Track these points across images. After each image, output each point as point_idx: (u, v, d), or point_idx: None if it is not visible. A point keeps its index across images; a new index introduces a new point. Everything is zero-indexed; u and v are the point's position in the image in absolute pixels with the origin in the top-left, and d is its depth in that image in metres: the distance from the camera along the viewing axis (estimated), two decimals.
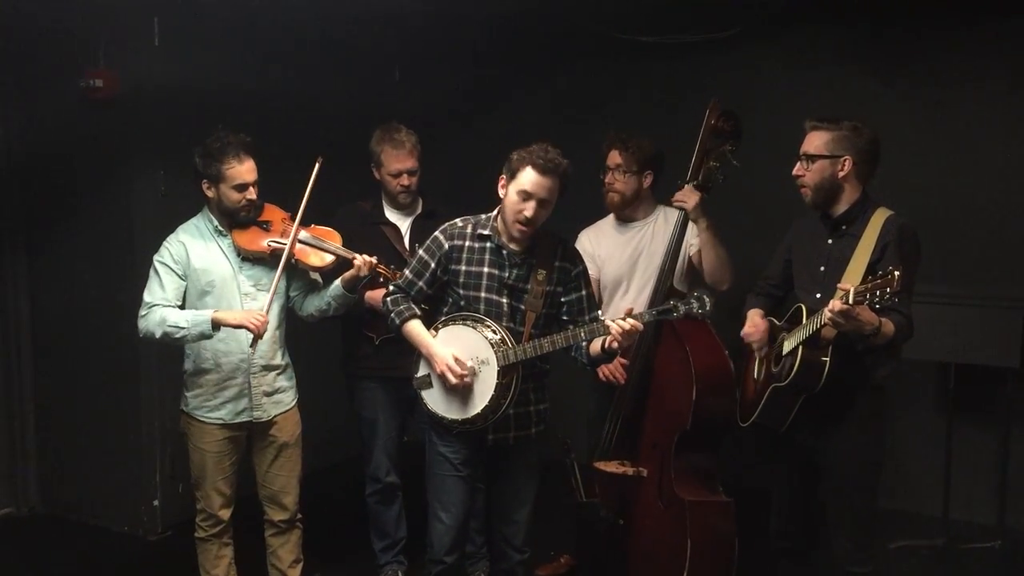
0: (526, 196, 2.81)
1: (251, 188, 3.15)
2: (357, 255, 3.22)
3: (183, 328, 3.07)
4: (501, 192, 2.91)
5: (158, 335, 3.10)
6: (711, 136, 3.39)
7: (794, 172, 2.95)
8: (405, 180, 3.58)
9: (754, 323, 3.11)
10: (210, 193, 3.17)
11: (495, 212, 2.97)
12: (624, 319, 2.74)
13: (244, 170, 3.12)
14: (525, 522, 3.10)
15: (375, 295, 3.42)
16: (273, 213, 3.27)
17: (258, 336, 3.08)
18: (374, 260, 3.22)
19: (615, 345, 2.78)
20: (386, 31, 4.80)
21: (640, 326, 2.75)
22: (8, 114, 4.33)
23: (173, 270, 3.15)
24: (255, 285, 3.23)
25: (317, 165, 3.21)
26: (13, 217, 4.43)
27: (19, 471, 4.53)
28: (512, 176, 2.85)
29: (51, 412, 4.51)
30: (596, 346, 2.88)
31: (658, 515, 3.34)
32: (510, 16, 4.66)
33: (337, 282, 3.27)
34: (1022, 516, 4.26)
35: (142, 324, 3.14)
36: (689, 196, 3.36)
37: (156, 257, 3.17)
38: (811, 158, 2.90)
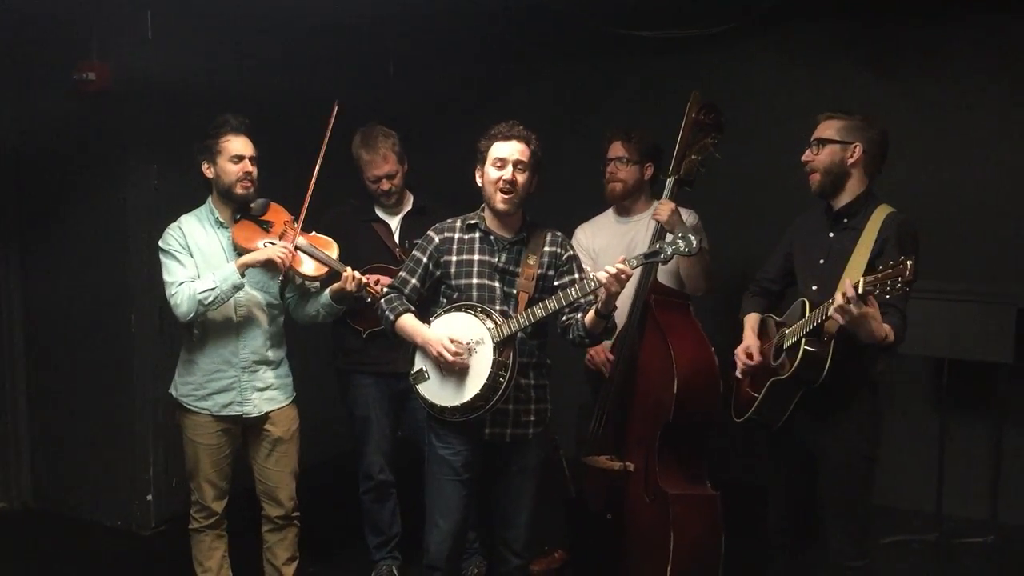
0: (501, 163, 2.91)
1: (247, 161, 3.17)
2: (348, 268, 3.21)
3: (213, 288, 3.06)
4: (479, 179, 2.98)
5: (195, 309, 3.07)
6: (692, 129, 3.40)
7: (803, 158, 2.96)
8: (384, 185, 3.59)
9: (749, 349, 3.06)
10: (209, 173, 3.19)
11: (481, 207, 3.01)
12: (613, 266, 2.73)
13: (239, 143, 3.16)
14: (526, 526, 3.08)
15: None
16: (277, 214, 3.27)
17: (284, 270, 3.12)
18: (364, 279, 3.21)
19: (606, 296, 2.76)
20: (382, 27, 4.78)
21: (628, 269, 2.72)
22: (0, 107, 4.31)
23: (181, 252, 3.16)
24: (247, 281, 3.22)
25: (335, 109, 3.25)
26: (5, 211, 4.41)
27: (12, 466, 4.52)
28: (483, 157, 2.95)
29: (44, 407, 4.50)
30: (591, 315, 2.85)
31: (644, 509, 3.34)
32: (506, 12, 4.65)
33: (326, 292, 3.28)
34: (1014, 511, 4.27)
35: (176, 304, 3.09)
36: (663, 209, 3.37)
37: (161, 244, 3.18)
38: (823, 142, 2.92)
